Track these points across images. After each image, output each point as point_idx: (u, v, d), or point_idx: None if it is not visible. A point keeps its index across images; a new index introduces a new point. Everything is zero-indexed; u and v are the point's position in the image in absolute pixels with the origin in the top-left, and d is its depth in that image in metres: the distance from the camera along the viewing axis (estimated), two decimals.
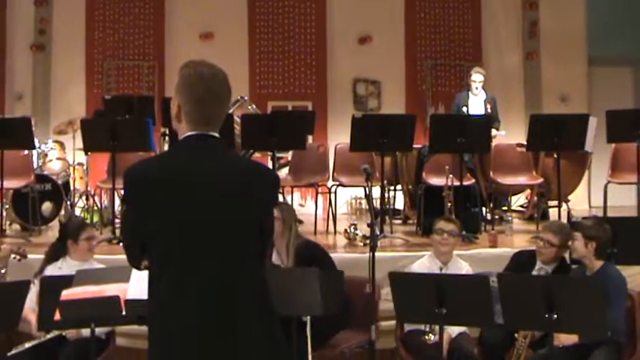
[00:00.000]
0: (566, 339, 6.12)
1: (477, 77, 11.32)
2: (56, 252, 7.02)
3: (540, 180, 10.61)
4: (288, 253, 6.92)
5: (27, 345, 6.34)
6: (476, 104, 11.27)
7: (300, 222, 8.68)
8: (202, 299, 3.34)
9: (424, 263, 7.26)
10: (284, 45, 14.31)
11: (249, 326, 3.40)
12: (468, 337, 6.81)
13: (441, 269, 7.06)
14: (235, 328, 3.37)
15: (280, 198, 9.78)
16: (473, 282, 6.18)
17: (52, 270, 6.78)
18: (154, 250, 3.43)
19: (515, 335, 6.41)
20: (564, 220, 9.43)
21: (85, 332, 6.04)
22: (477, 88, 11.31)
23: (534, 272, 6.90)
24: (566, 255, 6.94)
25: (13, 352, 6.33)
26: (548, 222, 8.42)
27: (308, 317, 6.00)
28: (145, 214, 3.42)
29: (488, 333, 6.72)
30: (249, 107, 10.53)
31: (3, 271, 7.07)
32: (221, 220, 3.39)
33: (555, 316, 5.36)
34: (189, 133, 3.48)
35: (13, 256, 7.26)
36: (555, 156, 9.77)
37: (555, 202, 10.15)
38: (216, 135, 3.51)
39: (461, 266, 7.21)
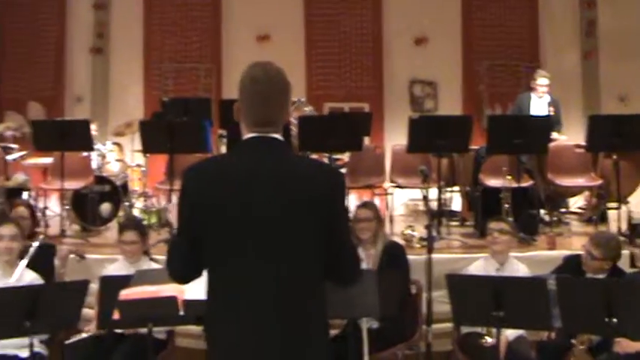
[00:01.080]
0: (628, 346, 6.00)
1: (542, 81, 11.15)
2: None
3: (599, 181, 10.47)
4: (377, 246, 7.00)
5: (84, 335, 6.40)
6: (539, 106, 11.14)
7: None
8: (259, 301, 3.32)
9: (480, 265, 7.20)
10: (340, 46, 14.31)
11: (308, 328, 3.37)
12: (526, 341, 6.74)
13: (497, 270, 7.00)
14: (294, 329, 3.34)
15: None
16: (531, 284, 6.12)
17: (111, 269, 6.85)
18: (209, 251, 3.40)
19: (573, 341, 6.31)
20: (624, 222, 9.33)
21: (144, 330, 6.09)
22: (542, 92, 11.15)
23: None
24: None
25: (71, 340, 6.40)
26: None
27: (365, 322, 5.98)
28: (199, 214, 3.38)
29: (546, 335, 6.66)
30: (306, 109, 10.54)
31: (62, 270, 7.16)
32: (276, 220, 3.33)
33: (615, 320, 5.29)
34: (248, 135, 3.48)
35: (72, 256, 7.34)
36: (615, 157, 9.64)
37: (615, 204, 10.01)
38: (276, 136, 3.47)
39: (517, 268, 7.13)
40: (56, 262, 7.11)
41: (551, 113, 10.89)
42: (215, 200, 3.35)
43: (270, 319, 3.32)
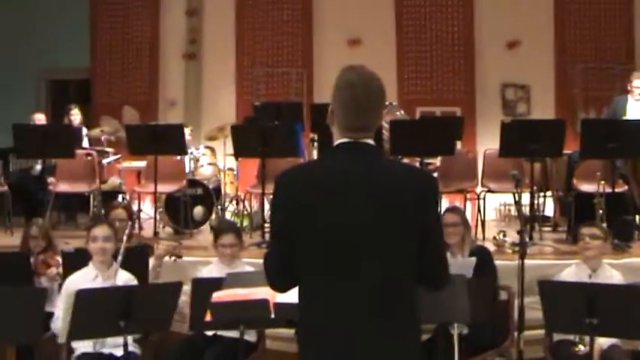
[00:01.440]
0: None
1: (638, 83, 10.92)
2: None
3: None
4: (463, 251, 7.00)
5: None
6: (635, 110, 10.91)
7: None
8: (351, 307, 3.30)
9: (573, 271, 7.11)
10: (431, 50, 14.27)
11: (402, 334, 3.35)
12: (620, 350, 6.63)
13: (589, 276, 6.91)
14: (387, 335, 3.31)
15: None
16: (626, 292, 6.03)
17: (205, 272, 6.94)
18: (301, 257, 3.38)
19: None
20: None
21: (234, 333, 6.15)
22: (639, 94, 10.91)
23: None
24: None
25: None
26: None
27: (456, 328, 5.95)
28: (292, 220, 3.36)
29: None
30: (398, 113, 10.54)
31: (158, 269, 7.28)
32: (370, 224, 3.30)
33: None
34: (341, 140, 3.45)
35: (167, 258, 7.45)
36: None
37: None
38: (369, 141, 3.43)
39: (611, 274, 7.02)
40: (152, 261, 7.23)
41: None
42: (307, 206, 3.33)
43: (363, 325, 3.30)
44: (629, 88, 10.90)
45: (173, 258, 7.48)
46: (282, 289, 3.61)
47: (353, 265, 3.31)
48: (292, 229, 3.36)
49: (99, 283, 6.34)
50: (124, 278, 6.49)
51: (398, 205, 3.32)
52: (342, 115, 3.46)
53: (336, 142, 3.48)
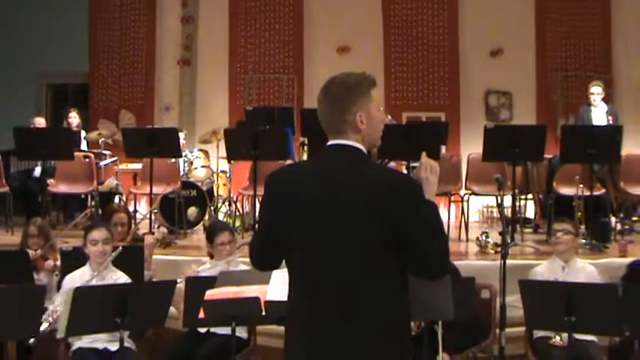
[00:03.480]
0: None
1: (595, 90, 11.01)
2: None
3: None
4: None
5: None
6: (597, 117, 10.99)
7: None
8: (325, 302, 3.39)
9: (546, 265, 7.23)
10: (418, 57, 14.28)
11: (370, 329, 3.38)
12: (597, 346, 6.67)
13: (563, 268, 7.01)
14: (355, 329, 3.37)
15: None
16: (602, 290, 6.07)
17: (201, 270, 6.95)
18: (286, 252, 3.55)
19: None
20: None
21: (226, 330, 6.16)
22: (594, 100, 11.00)
23: None
24: None
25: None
26: None
27: (440, 325, 5.97)
28: (276, 217, 3.53)
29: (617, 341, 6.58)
30: (386, 118, 10.55)
31: (149, 260, 7.30)
32: (341, 223, 3.38)
33: None
34: (329, 142, 3.56)
35: (159, 245, 7.46)
36: None
37: None
38: (347, 142, 3.49)
39: (583, 266, 7.17)
40: (145, 251, 7.26)
41: (611, 122, 10.73)
42: (289, 203, 3.48)
43: (336, 323, 3.38)
44: (587, 95, 10.98)
45: (162, 246, 7.48)
46: (261, 268, 3.83)
47: (323, 262, 3.41)
48: (271, 222, 3.58)
49: (94, 284, 6.34)
50: (120, 280, 6.51)
51: (366, 205, 3.36)
52: (320, 115, 3.59)
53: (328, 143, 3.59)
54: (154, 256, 7.84)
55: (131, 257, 6.87)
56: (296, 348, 3.52)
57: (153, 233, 9.86)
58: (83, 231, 6.91)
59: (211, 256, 7.13)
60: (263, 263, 3.76)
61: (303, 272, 3.48)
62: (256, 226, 9.62)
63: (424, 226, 3.42)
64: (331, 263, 3.39)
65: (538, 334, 6.80)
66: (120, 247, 6.64)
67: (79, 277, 6.43)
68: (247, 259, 7.08)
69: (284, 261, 3.61)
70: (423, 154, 3.78)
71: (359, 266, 3.38)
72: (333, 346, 3.38)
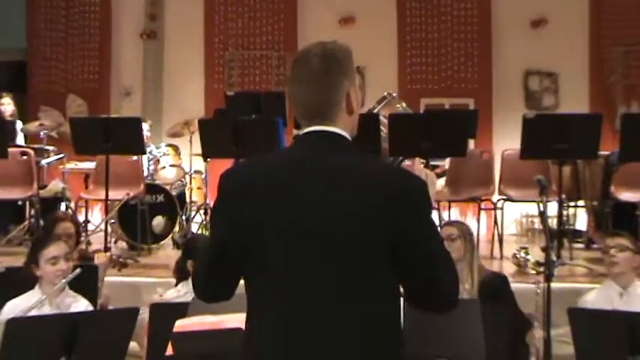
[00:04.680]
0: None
1: None
2: (181, 273, 7.16)
3: None
4: (472, 280, 6.98)
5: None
6: None
7: None
8: (293, 320, 3.35)
9: (600, 292, 7.15)
10: (440, 31, 14.30)
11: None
12: None
13: (620, 295, 6.94)
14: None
15: (435, 215, 9.77)
16: None
17: (171, 295, 6.92)
18: (246, 274, 3.49)
19: None
20: None
21: None
22: None
23: None
24: None
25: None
26: None
27: None
28: (235, 228, 3.39)
29: None
30: (398, 106, 10.58)
31: (100, 284, 7.29)
32: (317, 230, 3.29)
33: None
34: (302, 131, 3.45)
35: (112, 265, 7.45)
36: None
37: None
38: (334, 130, 3.41)
39: None
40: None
41: None
42: (254, 209, 3.36)
43: (303, 345, 3.34)
44: None
45: (117, 267, 7.47)
46: (211, 298, 3.81)
47: (290, 274, 3.34)
48: (230, 234, 3.43)
49: (47, 312, 6.29)
50: (80, 306, 6.49)
51: (362, 216, 3.27)
52: (293, 97, 3.50)
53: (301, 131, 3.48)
54: (107, 278, 7.82)
55: (83, 279, 6.82)
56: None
57: (108, 250, 9.84)
58: (30, 246, 6.89)
59: (180, 279, 7.11)
60: (215, 291, 3.67)
61: (271, 296, 3.40)
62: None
63: (435, 243, 3.39)
64: (308, 284, 3.32)
65: None
66: (78, 269, 6.61)
67: (24, 304, 6.37)
68: None
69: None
70: (417, 160, 3.78)
71: (344, 290, 3.30)
72: None
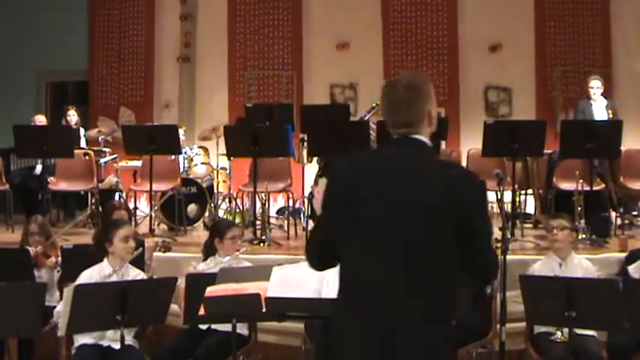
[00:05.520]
0: None
1: (594, 84, 10.99)
2: (208, 250, 7.19)
3: None
4: None
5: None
6: (597, 111, 10.97)
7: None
8: (376, 302, 3.38)
9: (543, 262, 7.25)
10: (417, 53, 14.27)
11: (432, 331, 3.41)
12: (597, 341, 6.67)
13: (560, 265, 7.05)
14: (409, 332, 3.37)
15: None
16: (603, 285, 6.07)
17: (203, 267, 6.94)
18: (349, 250, 3.49)
19: None
20: None
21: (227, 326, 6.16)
22: (594, 94, 10.97)
23: None
24: None
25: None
26: None
27: None
28: (346, 210, 3.48)
29: (615, 337, 6.58)
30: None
31: (149, 262, 7.32)
32: (399, 219, 3.40)
33: None
34: (395, 136, 3.60)
35: (158, 249, 7.48)
36: None
37: None
38: (420, 138, 3.56)
39: (580, 262, 7.20)
40: (145, 254, 7.27)
41: (611, 116, 10.72)
42: (365, 194, 3.46)
43: (387, 321, 3.36)
44: (587, 90, 10.96)
45: (162, 250, 7.50)
46: (322, 267, 3.76)
47: (379, 260, 3.41)
48: (337, 216, 3.52)
49: (113, 280, 6.33)
50: (136, 275, 6.56)
51: (445, 204, 3.40)
52: (385, 113, 3.65)
53: (393, 136, 3.63)
54: (153, 254, 7.87)
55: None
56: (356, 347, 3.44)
57: (152, 232, 9.88)
58: (100, 228, 6.93)
59: (209, 254, 7.14)
60: (326, 260, 3.68)
61: (367, 268, 3.43)
62: (258, 233, 9.64)
63: (485, 227, 3.54)
64: (400, 260, 3.39)
65: (539, 329, 6.81)
66: (140, 249, 6.67)
67: (96, 275, 6.41)
68: (247, 257, 7.18)
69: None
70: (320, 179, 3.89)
71: (428, 263, 3.40)
72: (395, 345, 3.36)
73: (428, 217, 3.39)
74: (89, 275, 6.40)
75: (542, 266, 7.16)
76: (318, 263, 3.71)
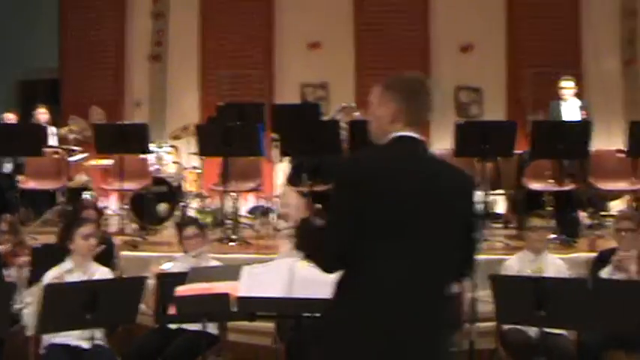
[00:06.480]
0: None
1: (566, 84, 11.03)
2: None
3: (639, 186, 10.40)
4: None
5: None
6: (568, 112, 11.01)
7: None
8: (393, 299, 3.33)
9: (518, 258, 7.33)
10: (388, 54, 14.27)
11: (440, 334, 3.44)
12: (566, 339, 6.71)
13: (532, 261, 7.12)
14: (430, 333, 3.39)
15: None
16: (572, 285, 6.11)
17: (167, 267, 6.92)
18: (367, 245, 3.37)
19: None
20: None
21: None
22: (565, 95, 11.01)
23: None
24: None
25: None
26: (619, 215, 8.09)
27: None
28: (363, 208, 3.36)
29: (585, 335, 6.62)
30: (356, 113, 10.57)
31: (116, 260, 7.32)
32: (433, 218, 3.39)
33: None
34: (399, 134, 3.58)
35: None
36: None
37: None
38: (422, 138, 3.61)
39: (552, 259, 7.27)
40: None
41: (584, 117, 10.77)
42: (380, 192, 3.39)
43: (403, 318, 3.33)
44: (558, 91, 11.00)
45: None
46: (334, 269, 3.50)
47: (412, 257, 3.36)
48: (358, 214, 3.37)
49: (77, 278, 6.30)
50: (103, 272, 6.53)
51: (454, 203, 3.47)
52: (414, 111, 3.63)
53: (396, 134, 3.59)
54: (122, 253, 7.84)
55: (102, 255, 6.84)
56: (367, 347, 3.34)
57: (122, 231, 9.83)
58: (63, 226, 6.90)
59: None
60: (339, 262, 3.45)
61: (385, 267, 3.35)
62: (228, 232, 9.61)
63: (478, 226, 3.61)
64: (421, 259, 3.37)
65: (508, 327, 6.83)
66: (103, 246, 6.65)
67: (59, 273, 6.39)
68: (217, 256, 7.18)
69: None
70: (285, 188, 3.86)
71: (440, 265, 3.41)
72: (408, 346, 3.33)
73: (453, 217, 3.44)
74: (53, 275, 6.38)
75: (516, 262, 7.23)
76: (336, 267, 3.48)
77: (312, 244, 3.55)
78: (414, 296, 3.34)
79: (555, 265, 7.15)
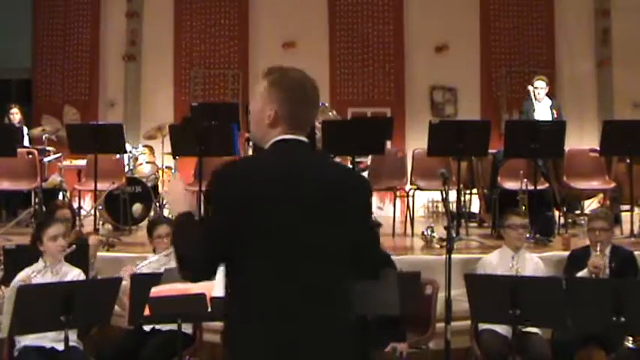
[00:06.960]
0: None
1: (539, 84, 11.04)
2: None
3: (613, 185, 10.45)
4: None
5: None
6: (541, 111, 11.05)
7: (379, 225, 8.63)
8: (284, 304, 3.20)
9: (497, 254, 7.38)
10: (363, 53, 14.32)
11: (341, 337, 3.28)
12: (540, 338, 6.74)
13: (512, 257, 7.13)
14: (328, 340, 3.24)
15: None
16: (546, 284, 6.14)
17: (144, 264, 6.89)
18: (246, 254, 3.23)
19: None
20: (637, 224, 9.37)
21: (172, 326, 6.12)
22: (539, 94, 11.03)
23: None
24: None
25: None
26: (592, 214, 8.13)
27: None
28: (239, 215, 3.22)
29: (559, 334, 6.66)
30: (330, 113, 10.56)
31: (92, 260, 7.26)
32: (320, 225, 3.24)
33: (623, 319, 5.32)
34: (282, 137, 3.34)
35: (102, 246, 7.42)
36: (628, 161, 9.64)
37: (627, 207, 10.00)
38: (305, 140, 3.37)
39: (530, 257, 7.33)
40: (89, 251, 7.23)
41: (556, 116, 10.83)
42: (258, 201, 3.22)
43: (294, 324, 3.21)
44: (531, 91, 11.02)
45: (106, 248, 7.43)
46: (201, 279, 3.45)
47: (294, 266, 3.22)
48: (234, 223, 3.23)
49: (48, 279, 6.27)
50: (74, 273, 6.49)
51: (340, 206, 3.30)
52: (284, 113, 3.35)
53: (275, 138, 3.37)
54: (97, 254, 7.79)
55: (77, 254, 6.80)
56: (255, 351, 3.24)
57: (97, 231, 9.78)
58: (34, 227, 6.85)
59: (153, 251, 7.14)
60: (207, 272, 3.37)
61: (275, 276, 3.21)
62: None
63: (374, 226, 3.47)
64: (308, 266, 3.23)
65: (483, 326, 6.85)
66: (73, 246, 6.60)
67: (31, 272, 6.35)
68: None
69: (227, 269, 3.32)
70: (172, 177, 3.72)
71: (330, 268, 3.27)
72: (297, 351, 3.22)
73: (340, 220, 3.28)
74: (21, 276, 6.34)
75: (496, 258, 7.29)
76: (204, 276, 3.41)
77: (184, 242, 3.45)
78: (298, 299, 3.20)
79: (534, 262, 7.20)
